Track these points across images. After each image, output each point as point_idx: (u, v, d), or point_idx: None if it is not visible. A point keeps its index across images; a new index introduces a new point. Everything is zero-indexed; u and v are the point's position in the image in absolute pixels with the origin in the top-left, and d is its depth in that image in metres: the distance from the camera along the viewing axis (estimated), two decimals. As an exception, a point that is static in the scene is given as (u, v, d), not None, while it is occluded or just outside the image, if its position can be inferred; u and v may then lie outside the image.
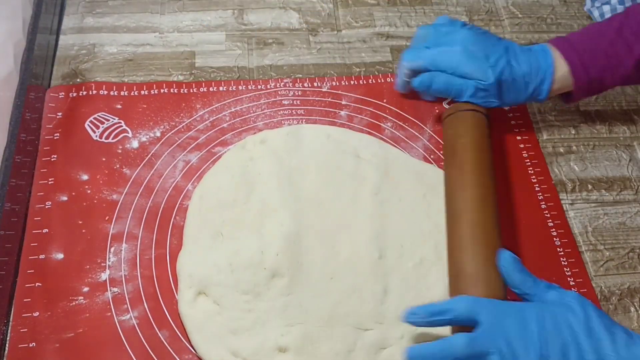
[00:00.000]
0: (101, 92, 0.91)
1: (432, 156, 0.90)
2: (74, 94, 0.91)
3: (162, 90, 0.92)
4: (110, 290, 0.76)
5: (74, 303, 0.75)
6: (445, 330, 0.71)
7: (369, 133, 0.91)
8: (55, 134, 0.87)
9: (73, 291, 0.76)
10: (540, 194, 0.89)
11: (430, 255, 0.79)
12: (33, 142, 0.85)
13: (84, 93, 0.91)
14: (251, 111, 0.92)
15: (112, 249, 0.79)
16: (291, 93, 0.94)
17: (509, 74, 0.84)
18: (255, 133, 0.89)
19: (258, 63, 0.98)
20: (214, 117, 0.91)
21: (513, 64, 0.85)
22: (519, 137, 0.94)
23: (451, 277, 0.74)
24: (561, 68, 0.85)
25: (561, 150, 0.94)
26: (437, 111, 0.95)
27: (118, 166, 0.85)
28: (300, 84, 0.95)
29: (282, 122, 0.91)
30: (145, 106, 0.91)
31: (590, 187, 0.91)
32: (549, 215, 0.87)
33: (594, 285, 0.83)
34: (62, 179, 0.83)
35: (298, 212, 0.80)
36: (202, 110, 0.91)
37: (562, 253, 0.84)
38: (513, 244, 0.84)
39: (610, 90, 0.93)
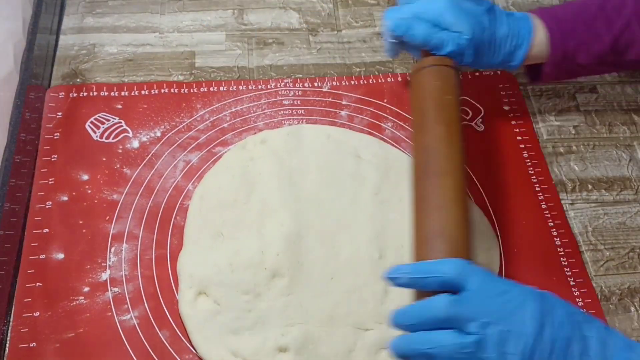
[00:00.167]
0: (102, 93, 0.91)
1: (432, 156, 0.90)
2: (74, 95, 0.91)
3: (162, 90, 0.92)
4: (111, 290, 0.76)
5: (74, 303, 0.75)
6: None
7: (370, 133, 0.91)
8: (56, 134, 0.87)
9: (73, 291, 0.76)
10: (540, 194, 0.89)
11: (430, 255, 0.79)
12: (33, 142, 0.85)
13: (85, 94, 0.91)
14: (251, 111, 0.92)
15: (113, 249, 0.79)
16: (291, 93, 0.94)
17: (489, 32, 0.81)
18: (255, 133, 0.89)
19: (258, 63, 0.98)
20: (215, 117, 0.90)
21: (496, 23, 0.82)
22: (519, 138, 0.94)
23: (426, 236, 0.68)
24: (539, 35, 0.83)
25: (561, 150, 0.94)
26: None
27: (118, 166, 0.85)
28: (301, 84, 0.95)
29: (283, 122, 0.91)
30: (145, 106, 0.91)
31: (590, 187, 0.91)
32: (549, 215, 0.87)
33: (594, 285, 0.83)
34: (63, 179, 0.83)
35: (298, 212, 0.80)
36: (203, 110, 0.91)
37: (563, 253, 0.84)
38: (513, 244, 0.84)
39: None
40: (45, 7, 0.94)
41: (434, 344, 0.60)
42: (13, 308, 0.75)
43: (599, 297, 0.82)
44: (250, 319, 0.74)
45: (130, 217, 0.82)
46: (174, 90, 0.93)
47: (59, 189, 0.83)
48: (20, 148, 0.81)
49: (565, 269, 0.83)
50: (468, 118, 0.94)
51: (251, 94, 0.93)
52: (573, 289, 0.82)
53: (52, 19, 0.97)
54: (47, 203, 0.81)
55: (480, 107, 0.96)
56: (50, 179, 0.83)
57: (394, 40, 0.83)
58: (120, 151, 0.86)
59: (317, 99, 0.94)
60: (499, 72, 1.00)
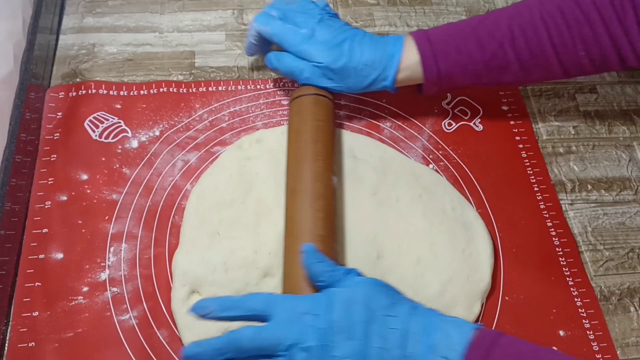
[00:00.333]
0: (100, 91, 0.91)
1: (430, 156, 0.90)
2: (74, 94, 0.91)
3: (161, 90, 0.92)
4: (110, 290, 0.76)
5: (73, 303, 0.75)
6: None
7: (368, 133, 0.91)
8: (55, 134, 0.87)
9: (72, 291, 0.76)
10: (539, 194, 0.89)
11: (426, 254, 0.80)
12: (33, 142, 0.85)
13: (84, 92, 0.91)
14: (250, 111, 0.92)
15: (112, 249, 0.79)
16: (290, 93, 0.94)
17: (349, 59, 0.83)
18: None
19: (258, 63, 0.98)
20: (213, 117, 0.90)
21: (356, 50, 0.83)
22: (517, 138, 0.94)
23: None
24: (411, 57, 0.84)
25: (561, 150, 0.94)
26: (436, 111, 0.95)
27: (118, 166, 0.85)
28: (300, 84, 0.95)
29: (281, 122, 0.91)
30: (144, 106, 0.91)
31: (590, 187, 0.91)
32: (547, 215, 0.87)
33: (593, 285, 0.83)
34: (62, 179, 0.83)
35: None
36: (202, 110, 0.91)
37: (561, 253, 0.84)
38: (511, 244, 0.84)
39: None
40: (45, 7, 0.94)
41: None
42: (12, 308, 0.74)
43: (599, 297, 0.82)
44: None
45: (129, 216, 0.82)
46: (173, 90, 0.93)
47: (58, 188, 0.83)
48: (20, 148, 0.81)
49: (563, 268, 0.83)
50: (467, 118, 0.95)
51: (250, 94, 0.93)
52: (572, 288, 0.82)
53: (52, 18, 0.97)
54: (46, 203, 0.81)
55: (479, 107, 0.96)
56: (49, 179, 0.83)
57: (255, 42, 0.90)
58: (119, 151, 0.86)
59: (315, 99, 0.94)
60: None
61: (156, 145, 0.87)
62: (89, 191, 0.83)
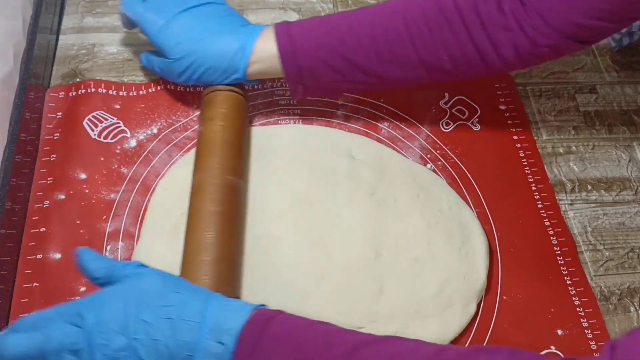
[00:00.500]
0: (100, 90, 0.91)
1: (428, 156, 0.90)
2: (74, 93, 0.91)
3: (158, 88, 0.92)
4: (107, 290, 0.76)
5: (71, 303, 0.75)
6: (437, 330, 0.71)
7: (366, 133, 0.91)
8: (55, 134, 0.87)
9: (71, 291, 0.76)
10: (537, 193, 0.89)
11: (424, 254, 0.80)
12: (33, 142, 0.85)
13: (83, 91, 0.91)
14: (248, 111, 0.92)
15: (109, 247, 0.79)
16: (288, 93, 0.94)
17: (197, 56, 0.82)
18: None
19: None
20: (211, 117, 0.91)
21: (207, 41, 0.82)
22: (515, 137, 0.94)
23: None
24: (268, 49, 0.82)
25: (560, 150, 0.94)
26: (433, 111, 0.95)
27: (116, 166, 0.85)
28: (298, 83, 0.95)
29: (279, 121, 0.91)
30: (143, 105, 0.90)
31: (589, 187, 0.91)
32: (545, 215, 0.87)
33: (593, 285, 0.83)
34: (60, 178, 0.83)
35: (282, 213, 0.81)
36: (200, 110, 0.91)
37: (559, 252, 0.84)
38: (509, 243, 0.84)
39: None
40: (45, 7, 0.94)
41: None
42: (11, 308, 0.74)
43: (599, 297, 0.82)
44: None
45: (126, 215, 0.81)
46: (170, 88, 0.93)
47: (57, 188, 0.83)
48: (20, 148, 0.81)
49: (561, 267, 0.83)
50: (464, 117, 0.94)
51: (248, 94, 0.93)
52: (570, 288, 0.82)
53: (52, 18, 0.97)
54: (44, 202, 0.81)
55: (477, 107, 0.96)
56: (48, 179, 0.83)
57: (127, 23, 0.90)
58: (118, 151, 0.86)
59: (313, 98, 0.94)
60: (495, 72, 1.00)
61: (154, 142, 0.87)
62: (87, 191, 0.83)
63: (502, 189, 0.88)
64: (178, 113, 0.90)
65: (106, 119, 0.89)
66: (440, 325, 0.75)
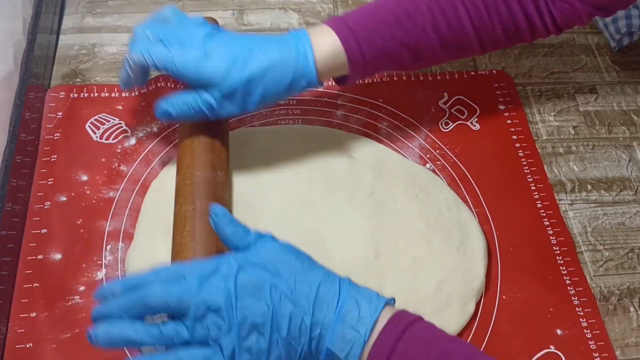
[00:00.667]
0: (102, 94, 0.91)
1: (428, 155, 0.90)
2: (75, 95, 0.91)
3: (159, 84, 0.92)
4: (107, 289, 0.76)
5: (70, 303, 0.75)
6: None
7: (365, 133, 0.91)
8: (56, 134, 0.87)
9: (70, 291, 0.76)
10: (536, 193, 0.89)
11: (423, 254, 0.80)
12: (33, 142, 0.86)
13: (86, 95, 0.91)
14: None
15: (109, 247, 0.79)
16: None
17: (257, 69, 0.74)
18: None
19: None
20: (211, 117, 0.90)
21: (258, 53, 0.74)
22: (514, 137, 0.94)
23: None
24: (330, 46, 0.77)
25: (560, 150, 0.94)
26: (433, 110, 0.95)
27: (116, 165, 0.85)
28: (297, 83, 0.95)
29: (278, 121, 0.91)
30: (144, 104, 0.91)
31: (589, 187, 0.91)
32: (544, 215, 0.87)
33: (593, 285, 0.83)
34: (62, 180, 0.83)
35: (283, 213, 0.81)
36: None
37: (558, 252, 0.84)
38: (509, 243, 0.84)
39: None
40: (45, 7, 0.95)
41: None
42: (11, 309, 0.74)
43: (599, 297, 0.82)
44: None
45: (126, 215, 0.81)
46: (171, 85, 0.92)
47: (58, 189, 0.83)
48: (20, 148, 0.81)
49: (561, 267, 0.83)
50: (464, 117, 0.95)
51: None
52: (569, 287, 0.82)
53: (52, 19, 0.98)
54: (45, 203, 0.81)
55: (476, 106, 0.96)
56: (49, 180, 0.83)
57: (132, 75, 0.78)
58: (119, 151, 0.86)
59: (312, 98, 0.94)
60: (494, 72, 1.01)
61: (154, 142, 0.88)
62: (88, 192, 0.83)
63: (501, 189, 0.89)
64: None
65: (108, 121, 0.89)
66: (440, 324, 0.75)
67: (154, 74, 0.89)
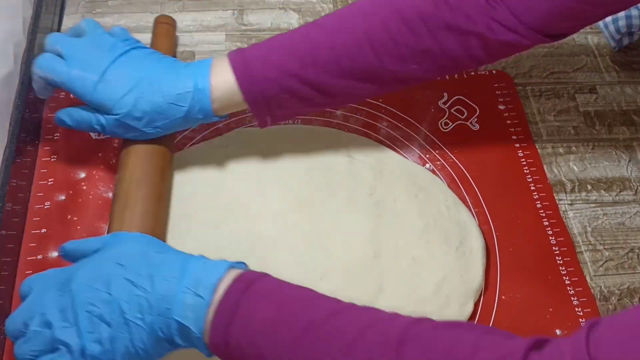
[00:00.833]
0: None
1: (427, 155, 0.90)
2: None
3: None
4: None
5: (69, 302, 0.75)
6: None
7: (365, 133, 0.91)
8: (56, 135, 0.87)
9: (70, 290, 0.76)
10: (535, 193, 0.89)
11: (422, 254, 0.80)
12: (33, 142, 0.86)
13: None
14: (247, 111, 0.89)
15: (108, 248, 0.79)
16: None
17: (150, 105, 0.74)
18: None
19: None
20: (210, 117, 0.90)
21: (154, 87, 0.74)
22: (514, 137, 0.94)
23: None
24: (226, 81, 0.75)
25: (560, 150, 0.94)
26: (432, 111, 0.95)
27: (114, 161, 0.85)
28: (297, 83, 0.95)
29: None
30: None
31: (589, 187, 0.91)
32: (544, 215, 0.87)
33: (593, 285, 0.83)
34: (61, 179, 0.83)
35: (279, 215, 0.81)
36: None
37: (558, 252, 0.84)
38: (508, 243, 0.84)
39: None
40: (45, 7, 0.94)
41: None
42: (11, 308, 0.74)
43: (599, 297, 0.82)
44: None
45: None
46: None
47: (58, 189, 0.83)
48: (20, 148, 0.81)
49: (560, 267, 0.83)
50: (463, 117, 0.95)
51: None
52: (568, 287, 0.82)
53: (52, 18, 0.97)
54: (45, 203, 0.82)
55: (475, 107, 0.96)
56: (49, 180, 0.83)
57: (44, 87, 0.79)
58: (116, 145, 0.86)
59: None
60: (494, 72, 1.00)
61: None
62: (85, 188, 0.83)
63: (501, 189, 0.88)
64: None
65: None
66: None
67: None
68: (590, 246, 0.86)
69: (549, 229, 0.86)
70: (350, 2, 1.07)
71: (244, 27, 1.02)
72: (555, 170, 0.92)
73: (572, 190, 0.91)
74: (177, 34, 1.00)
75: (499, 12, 0.73)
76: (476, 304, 0.79)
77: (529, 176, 0.90)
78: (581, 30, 0.80)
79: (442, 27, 0.74)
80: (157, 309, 0.60)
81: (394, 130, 0.92)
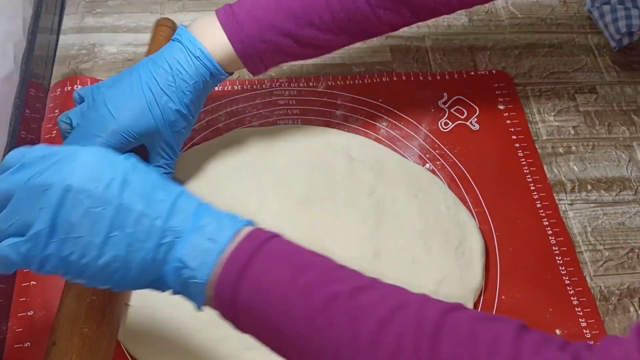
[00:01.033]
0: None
1: (427, 155, 0.90)
2: (69, 88, 0.90)
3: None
4: (106, 290, 0.76)
5: (69, 302, 0.75)
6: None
7: (365, 133, 0.91)
8: (53, 132, 0.87)
9: (69, 289, 0.76)
10: (535, 193, 0.89)
11: (421, 254, 0.80)
12: (33, 142, 0.86)
13: (79, 87, 0.90)
14: (247, 111, 0.92)
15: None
16: (287, 93, 0.94)
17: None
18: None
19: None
20: (210, 117, 0.90)
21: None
22: (514, 137, 0.94)
23: None
24: (218, 41, 0.77)
25: (560, 150, 0.94)
26: (432, 110, 0.95)
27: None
28: (296, 83, 0.95)
29: (278, 121, 0.91)
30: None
31: (589, 187, 0.91)
32: (544, 215, 0.87)
33: (593, 285, 0.83)
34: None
35: (278, 213, 0.81)
36: (198, 110, 0.91)
37: (558, 252, 0.84)
38: (508, 243, 0.84)
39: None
40: (45, 7, 0.95)
41: None
42: (11, 307, 0.74)
43: (598, 297, 0.82)
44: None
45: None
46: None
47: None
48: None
49: (560, 267, 0.83)
50: (463, 117, 0.95)
51: (246, 94, 0.93)
52: (568, 287, 0.82)
53: (52, 18, 0.98)
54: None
55: (475, 107, 0.96)
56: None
57: None
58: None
59: (312, 98, 0.94)
60: (494, 72, 1.00)
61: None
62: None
63: (501, 189, 0.88)
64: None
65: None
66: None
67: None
68: (590, 246, 0.86)
69: (549, 229, 0.86)
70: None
71: (244, 27, 1.02)
72: (555, 170, 0.92)
73: (572, 190, 0.91)
74: (177, 33, 1.00)
75: None
76: (476, 304, 0.79)
77: (529, 176, 0.90)
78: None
79: None
80: (162, 238, 0.56)
81: (394, 130, 0.92)
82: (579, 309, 0.80)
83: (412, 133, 0.92)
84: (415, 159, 0.90)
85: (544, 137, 0.95)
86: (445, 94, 0.97)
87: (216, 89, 0.92)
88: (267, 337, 0.55)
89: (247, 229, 0.57)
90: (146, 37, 0.97)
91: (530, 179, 0.90)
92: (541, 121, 0.96)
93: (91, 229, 0.54)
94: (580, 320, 0.79)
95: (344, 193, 0.83)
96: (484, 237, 0.83)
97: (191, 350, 0.72)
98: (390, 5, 0.78)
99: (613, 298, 0.82)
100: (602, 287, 0.83)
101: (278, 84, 0.95)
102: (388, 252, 0.79)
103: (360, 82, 0.96)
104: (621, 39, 1.04)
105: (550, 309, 0.80)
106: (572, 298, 0.81)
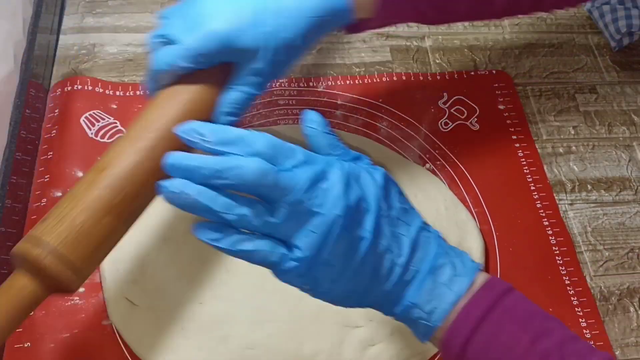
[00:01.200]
0: (97, 89, 0.91)
1: (427, 155, 0.90)
2: (69, 88, 0.91)
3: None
4: (106, 291, 0.76)
5: (69, 303, 0.75)
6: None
7: (365, 133, 0.91)
8: (53, 131, 0.87)
9: (69, 289, 0.76)
10: (535, 193, 0.89)
11: (421, 254, 0.79)
12: (34, 141, 0.86)
13: (79, 87, 0.91)
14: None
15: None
16: (287, 93, 0.94)
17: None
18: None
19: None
20: (210, 117, 0.90)
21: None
22: (514, 137, 0.94)
23: None
24: None
25: (560, 150, 0.94)
26: (432, 110, 0.95)
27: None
28: (296, 83, 0.95)
29: (278, 121, 0.91)
30: (140, 106, 0.90)
31: (589, 187, 0.91)
32: (544, 215, 0.87)
33: (593, 285, 0.83)
34: (57, 176, 0.83)
35: None
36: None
37: (558, 252, 0.84)
38: (508, 243, 0.84)
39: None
40: (45, 7, 0.95)
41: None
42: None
43: (598, 297, 0.82)
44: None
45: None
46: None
47: (54, 185, 0.82)
48: (20, 147, 0.81)
49: (560, 268, 0.83)
50: (463, 117, 0.95)
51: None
52: (568, 287, 0.82)
53: (52, 18, 0.98)
54: (42, 200, 0.81)
55: (475, 107, 0.96)
56: (46, 176, 0.83)
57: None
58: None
59: (312, 98, 0.94)
60: (494, 72, 1.00)
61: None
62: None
63: (501, 189, 0.88)
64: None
65: (103, 119, 0.89)
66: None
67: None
68: (590, 246, 0.86)
69: (549, 229, 0.86)
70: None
71: (244, 27, 1.02)
72: (555, 170, 0.92)
73: (572, 190, 0.90)
74: (177, 33, 1.00)
75: None
76: (476, 304, 0.79)
77: (529, 176, 0.90)
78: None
79: None
80: (403, 276, 0.56)
81: (394, 130, 0.92)
82: (579, 309, 0.80)
83: (412, 133, 0.92)
84: (415, 159, 0.90)
85: (544, 137, 0.95)
86: (445, 94, 0.97)
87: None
88: None
89: (482, 277, 0.58)
90: (146, 37, 0.97)
91: (530, 179, 0.90)
92: (541, 121, 0.96)
93: (345, 261, 0.55)
94: (580, 320, 0.79)
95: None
96: (484, 237, 0.83)
97: (194, 350, 0.72)
98: None
99: (613, 298, 0.82)
100: (602, 287, 0.83)
101: (278, 84, 0.95)
102: (388, 252, 0.79)
103: (360, 82, 0.96)
104: (621, 39, 1.04)
105: (550, 309, 0.79)
106: (572, 298, 0.81)
